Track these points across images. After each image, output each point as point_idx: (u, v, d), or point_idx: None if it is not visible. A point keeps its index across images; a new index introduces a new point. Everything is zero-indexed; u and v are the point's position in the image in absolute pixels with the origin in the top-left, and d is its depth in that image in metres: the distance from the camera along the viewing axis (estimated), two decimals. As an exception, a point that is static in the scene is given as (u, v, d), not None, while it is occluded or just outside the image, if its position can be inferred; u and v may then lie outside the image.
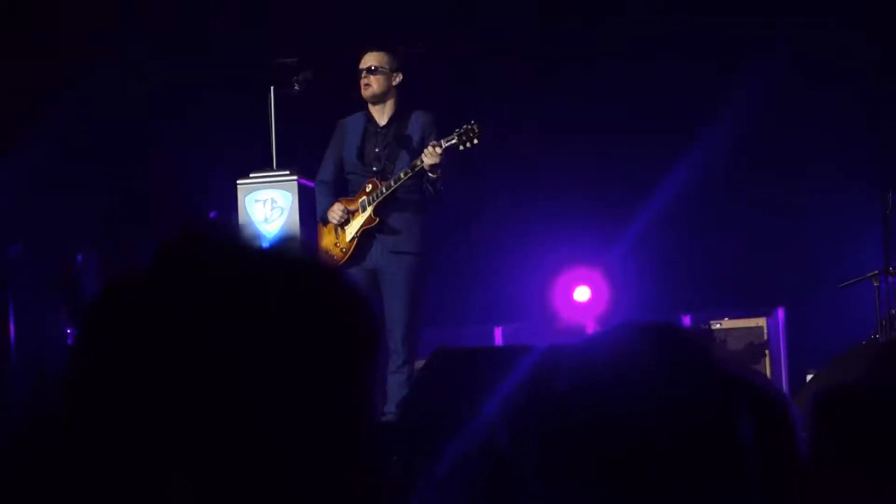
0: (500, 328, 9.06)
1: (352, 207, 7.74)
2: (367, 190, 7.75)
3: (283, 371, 1.13)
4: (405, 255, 7.71)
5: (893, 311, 7.91)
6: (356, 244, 7.71)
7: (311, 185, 7.61)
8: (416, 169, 7.60)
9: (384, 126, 7.87)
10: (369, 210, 7.73)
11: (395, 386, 7.55)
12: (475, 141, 7.65)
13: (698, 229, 9.45)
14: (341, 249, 7.70)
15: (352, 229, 7.74)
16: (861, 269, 8.16)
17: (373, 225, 7.71)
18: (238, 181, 7.47)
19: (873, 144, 8.96)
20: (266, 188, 7.38)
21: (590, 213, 9.36)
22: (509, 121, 9.52)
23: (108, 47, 9.78)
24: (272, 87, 7.64)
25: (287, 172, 7.51)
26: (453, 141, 7.62)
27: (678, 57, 9.21)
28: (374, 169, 7.83)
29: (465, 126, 7.68)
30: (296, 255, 1.19)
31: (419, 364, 8.12)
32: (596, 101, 9.44)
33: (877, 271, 7.99)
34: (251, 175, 7.53)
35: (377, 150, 7.86)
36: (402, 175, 7.65)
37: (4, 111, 9.64)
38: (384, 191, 7.69)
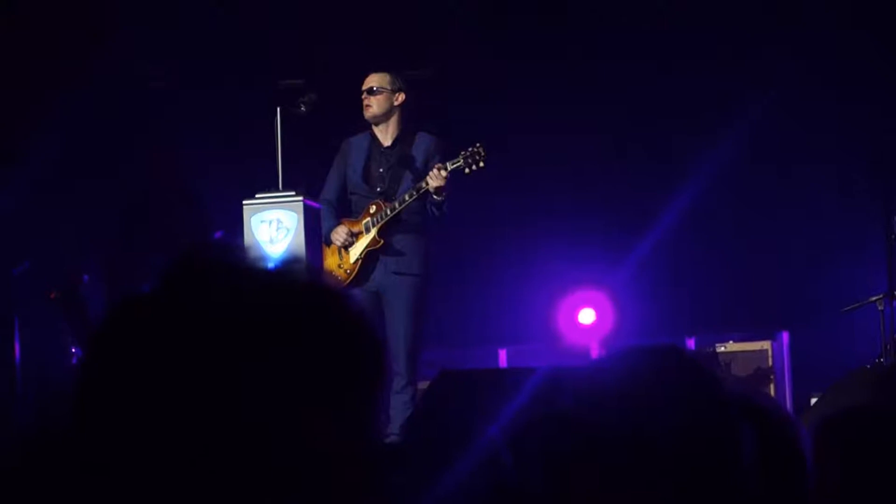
0: (504, 350, 9.06)
1: (355, 229, 7.74)
2: (371, 211, 7.75)
3: (286, 390, 1.13)
4: (408, 277, 7.70)
5: (898, 335, 7.90)
6: (360, 266, 7.71)
7: (317, 206, 7.62)
8: (421, 192, 7.60)
9: (388, 147, 7.87)
10: (373, 232, 7.72)
11: (399, 407, 7.54)
12: (481, 164, 7.64)
13: (703, 252, 9.45)
14: (345, 271, 7.69)
15: (356, 251, 7.73)
16: (865, 293, 8.16)
17: (377, 247, 7.71)
18: (244, 202, 7.47)
19: (878, 168, 8.96)
20: (272, 209, 7.38)
21: (595, 235, 9.36)
22: (514, 142, 9.52)
23: (113, 69, 9.80)
24: (278, 109, 7.64)
25: (293, 193, 7.51)
26: (459, 164, 7.62)
27: (681, 83, 9.22)
28: (378, 190, 7.83)
29: (470, 149, 7.67)
30: (300, 277, 1.20)
31: (422, 385, 8.12)
32: (600, 124, 9.45)
33: (881, 295, 7.99)
34: (257, 196, 7.53)
35: (381, 170, 7.85)
36: (406, 197, 7.65)
37: (8, 131, 9.65)
38: (388, 213, 7.69)
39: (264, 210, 7.38)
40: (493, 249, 9.74)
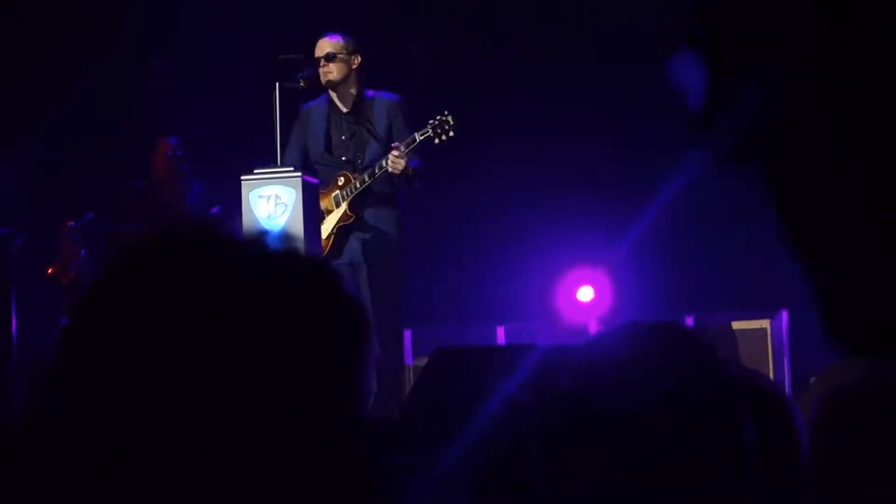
0: (502, 327, 9.05)
1: (324, 203, 7.67)
2: (340, 184, 7.66)
3: (273, 368, 1.12)
4: (383, 247, 7.63)
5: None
6: (333, 241, 7.64)
7: (315, 181, 7.58)
8: (384, 170, 7.51)
9: (348, 112, 7.78)
10: (344, 206, 7.64)
11: (386, 382, 7.52)
12: (451, 133, 7.51)
13: (702, 230, 9.44)
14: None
15: (328, 226, 7.66)
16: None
17: (350, 222, 7.65)
18: (242, 177, 7.44)
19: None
20: (270, 184, 7.35)
21: (594, 212, 9.35)
22: (512, 117, 9.51)
23: (110, 42, 9.77)
24: (277, 83, 7.62)
25: (291, 169, 7.48)
26: (427, 133, 7.48)
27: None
28: (344, 159, 7.74)
29: (438, 118, 7.53)
30: (295, 255, 1.19)
31: (419, 362, 8.11)
32: (601, 100, 9.43)
33: (881, 274, 7.96)
34: (255, 171, 7.50)
35: (343, 137, 7.76)
36: (376, 171, 7.55)
37: (5, 106, 9.64)
38: (358, 186, 7.61)
39: (262, 186, 7.35)
40: (492, 226, 9.73)
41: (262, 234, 1.19)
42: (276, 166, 7.51)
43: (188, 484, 1.08)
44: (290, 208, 7.29)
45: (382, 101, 7.77)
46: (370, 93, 7.82)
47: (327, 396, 1.14)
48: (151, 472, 1.08)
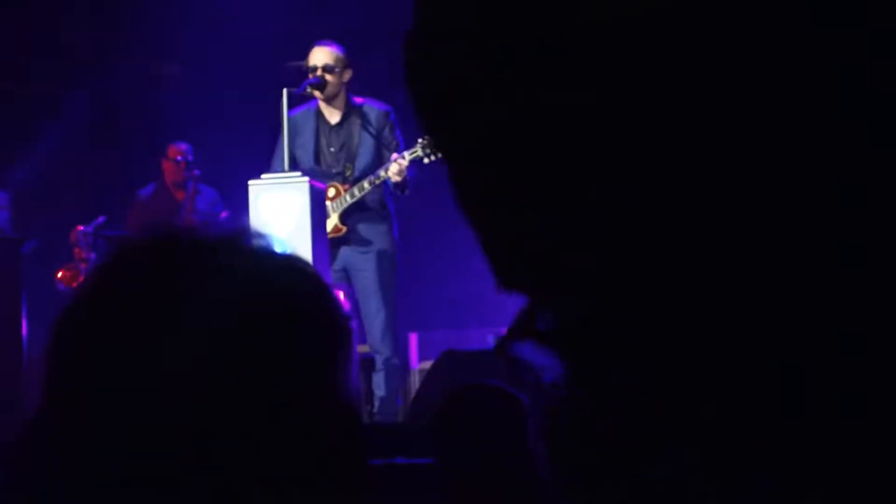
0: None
1: None
2: (330, 195, 7.64)
3: (251, 365, 1.10)
4: (374, 253, 7.63)
5: None
6: None
7: (323, 186, 7.59)
8: (381, 179, 7.51)
9: (337, 124, 7.74)
10: (335, 218, 7.64)
11: (381, 384, 7.54)
12: (440, 154, 7.39)
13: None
14: None
15: None
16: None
17: (341, 234, 7.65)
18: (250, 182, 7.46)
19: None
20: (278, 189, 7.37)
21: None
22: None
23: (120, 48, 9.84)
24: (285, 90, 7.63)
25: (298, 174, 7.50)
26: (416, 153, 7.43)
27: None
28: (334, 171, 7.73)
29: (427, 136, 7.44)
30: (265, 251, 1.18)
31: (426, 365, 8.17)
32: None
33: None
34: (263, 176, 7.52)
35: (332, 149, 7.73)
36: (366, 185, 7.55)
37: (18, 111, 9.71)
38: (348, 199, 7.60)
39: (270, 191, 7.36)
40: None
41: (240, 233, 1.18)
42: (283, 172, 7.53)
43: (175, 489, 1.08)
44: (297, 213, 7.32)
45: (372, 111, 7.71)
46: (358, 100, 7.76)
47: (310, 393, 1.13)
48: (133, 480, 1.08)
